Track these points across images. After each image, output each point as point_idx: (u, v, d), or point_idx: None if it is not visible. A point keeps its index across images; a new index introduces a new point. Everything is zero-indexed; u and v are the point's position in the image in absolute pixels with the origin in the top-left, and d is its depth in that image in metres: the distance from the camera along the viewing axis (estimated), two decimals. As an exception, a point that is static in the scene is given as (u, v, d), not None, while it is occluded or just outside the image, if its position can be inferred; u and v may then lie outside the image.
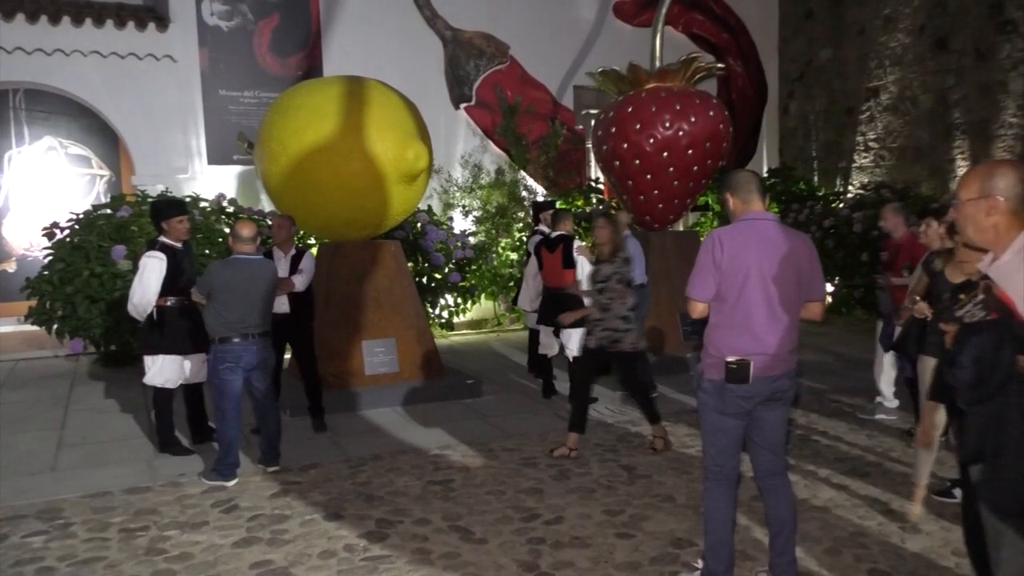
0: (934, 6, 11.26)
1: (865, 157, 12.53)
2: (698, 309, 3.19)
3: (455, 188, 11.55)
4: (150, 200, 7.79)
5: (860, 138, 12.58)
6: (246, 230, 4.97)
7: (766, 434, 3.22)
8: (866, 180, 12.28)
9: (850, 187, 12.56)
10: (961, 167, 10.91)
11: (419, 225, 9.97)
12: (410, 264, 9.05)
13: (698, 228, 12.45)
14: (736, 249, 3.09)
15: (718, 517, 3.27)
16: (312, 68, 11.09)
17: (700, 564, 3.43)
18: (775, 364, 3.09)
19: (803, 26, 13.60)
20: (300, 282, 5.81)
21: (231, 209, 9.38)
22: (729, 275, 3.08)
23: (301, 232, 8.29)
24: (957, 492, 4.28)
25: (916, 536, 3.92)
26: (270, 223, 7.17)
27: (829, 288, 10.61)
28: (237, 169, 10.80)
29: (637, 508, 4.38)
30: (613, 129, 8.40)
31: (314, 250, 7.60)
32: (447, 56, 11.81)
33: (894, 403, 6.17)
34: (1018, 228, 2.34)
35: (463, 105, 11.90)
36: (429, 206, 10.64)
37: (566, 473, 4.99)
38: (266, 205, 9.59)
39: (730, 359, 3.08)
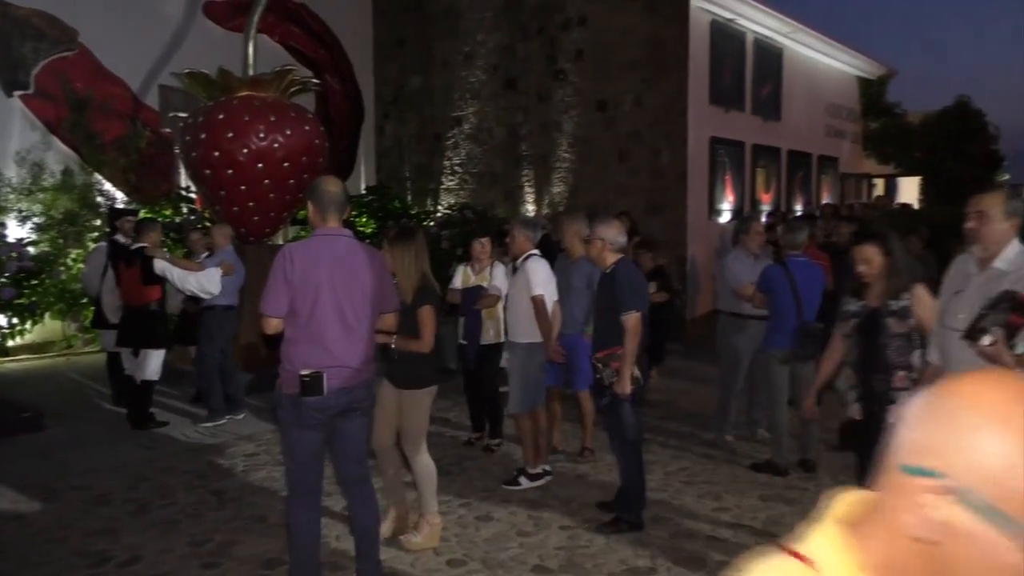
0: (504, 50, 12.77)
1: (451, 180, 13.68)
2: (272, 325, 3.14)
3: (8, 190, 9.83)
4: None
5: (447, 162, 13.71)
6: None
7: (347, 445, 3.31)
8: (452, 201, 13.41)
9: (439, 207, 13.61)
10: (528, 192, 12.52)
11: (-43, 231, 8.29)
12: (-56, 278, 7.47)
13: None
14: (307, 264, 3.12)
15: (303, 531, 3.27)
16: None
17: (290, 582, 3.39)
18: (351, 376, 3.19)
19: (395, 52, 14.37)
20: None
21: None
22: (301, 290, 3.10)
23: None
24: (523, 480, 4.89)
25: (488, 523, 4.37)
26: None
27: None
28: None
29: (226, 534, 4.18)
30: (203, 135, 7.93)
31: None
32: (-5, 33, 10.01)
33: None
34: None
35: (17, 93, 10.20)
36: (-28, 209, 8.90)
37: (146, 507, 4.56)
38: None
39: (303, 372, 3.10)
